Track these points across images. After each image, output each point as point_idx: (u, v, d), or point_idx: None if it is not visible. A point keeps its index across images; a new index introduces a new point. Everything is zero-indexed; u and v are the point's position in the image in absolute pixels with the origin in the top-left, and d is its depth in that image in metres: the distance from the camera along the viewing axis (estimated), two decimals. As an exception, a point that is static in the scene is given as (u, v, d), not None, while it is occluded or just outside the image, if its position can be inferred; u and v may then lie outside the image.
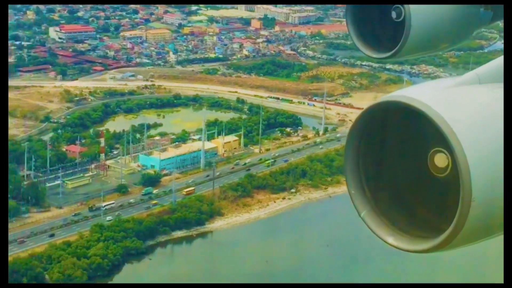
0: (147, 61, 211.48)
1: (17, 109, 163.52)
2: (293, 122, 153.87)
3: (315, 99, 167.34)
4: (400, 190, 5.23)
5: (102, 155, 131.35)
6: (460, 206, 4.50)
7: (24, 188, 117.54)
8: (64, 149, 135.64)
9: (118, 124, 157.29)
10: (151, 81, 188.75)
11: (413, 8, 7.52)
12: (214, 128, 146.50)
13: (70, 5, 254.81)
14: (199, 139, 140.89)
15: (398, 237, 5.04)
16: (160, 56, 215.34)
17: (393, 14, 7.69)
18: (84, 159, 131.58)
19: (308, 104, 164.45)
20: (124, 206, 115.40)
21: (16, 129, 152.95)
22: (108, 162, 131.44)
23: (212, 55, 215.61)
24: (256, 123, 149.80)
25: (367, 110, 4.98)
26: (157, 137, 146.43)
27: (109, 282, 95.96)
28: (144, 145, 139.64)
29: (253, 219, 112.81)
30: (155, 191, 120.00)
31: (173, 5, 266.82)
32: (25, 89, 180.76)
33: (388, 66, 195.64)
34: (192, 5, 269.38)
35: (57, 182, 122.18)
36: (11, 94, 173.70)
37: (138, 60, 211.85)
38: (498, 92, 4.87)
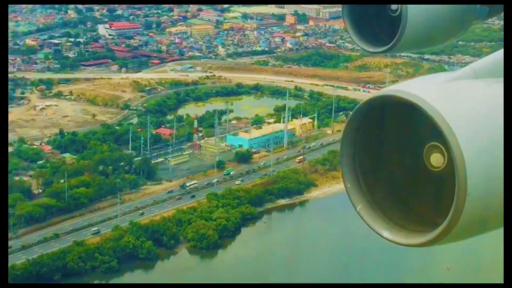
0: (199, 54, 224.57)
1: (96, 98, 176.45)
2: (354, 106, 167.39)
3: (368, 86, 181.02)
4: (396, 184, 5.23)
5: (195, 136, 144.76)
6: (455, 200, 4.49)
7: (136, 164, 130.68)
8: (154, 132, 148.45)
9: (190, 110, 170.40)
10: (210, 72, 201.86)
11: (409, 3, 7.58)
12: (283, 113, 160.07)
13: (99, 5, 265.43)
14: (273, 122, 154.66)
15: (393, 231, 5.06)
16: (210, 50, 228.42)
17: (390, 9, 7.74)
18: (176, 140, 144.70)
19: (363, 91, 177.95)
20: (227, 179, 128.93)
21: (103, 116, 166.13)
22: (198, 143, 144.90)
23: (258, 49, 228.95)
24: (321, 107, 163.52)
25: (364, 104, 4.97)
26: (234, 121, 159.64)
27: (222, 247, 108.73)
28: (227, 127, 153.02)
29: (343, 189, 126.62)
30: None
31: (205, 4, 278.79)
32: (95, 81, 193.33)
33: (427, 56, 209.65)
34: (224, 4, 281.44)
35: (159, 159, 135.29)
36: (83, 85, 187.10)
37: (190, 53, 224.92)
38: (494, 87, 4.85)
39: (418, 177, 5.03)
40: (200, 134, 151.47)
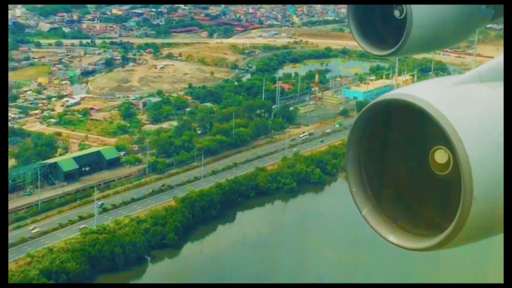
0: (277, 23, 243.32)
1: (205, 59, 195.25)
2: (440, 67, 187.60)
3: (447, 50, 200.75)
4: (401, 188, 5.19)
5: (316, 89, 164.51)
6: (461, 204, 4.43)
7: (275, 111, 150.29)
8: (274, 87, 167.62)
9: (290, 70, 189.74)
10: (295, 38, 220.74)
11: (414, 5, 7.46)
12: (380, 72, 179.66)
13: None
14: (375, 79, 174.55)
15: (399, 235, 4.99)
16: (286, 19, 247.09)
17: (395, 12, 7.62)
18: (296, 93, 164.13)
19: (443, 54, 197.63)
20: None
21: (218, 74, 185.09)
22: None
23: (329, 18, 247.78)
24: (412, 67, 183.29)
25: (369, 108, 4.93)
26: (338, 78, 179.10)
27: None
28: (334, 83, 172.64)
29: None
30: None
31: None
32: (194, 45, 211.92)
33: (489, 26, 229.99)
34: None
35: (290, 108, 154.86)
36: (185, 49, 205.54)
37: (268, 22, 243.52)
38: (500, 90, 4.79)
39: (424, 181, 5.01)
40: (313, 89, 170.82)
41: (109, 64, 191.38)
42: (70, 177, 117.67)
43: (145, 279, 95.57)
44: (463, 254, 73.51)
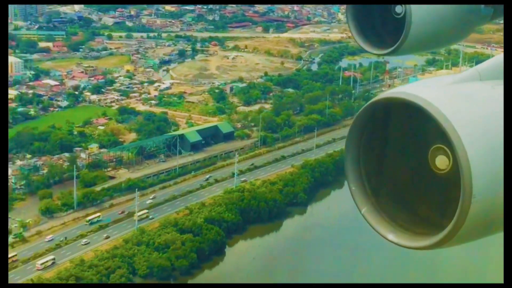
0: (323, 19, 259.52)
1: (270, 51, 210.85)
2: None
3: (493, 45, 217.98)
4: (401, 186, 5.20)
5: (386, 77, 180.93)
6: (461, 203, 4.45)
7: (356, 95, 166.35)
8: (345, 75, 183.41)
9: (349, 62, 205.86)
10: (346, 33, 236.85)
11: (413, 5, 7.48)
12: (440, 63, 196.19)
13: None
14: (435, 70, 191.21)
15: (398, 234, 5.01)
16: (332, 17, 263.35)
17: (394, 11, 7.65)
18: (368, 81, 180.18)
19: (490, 49, 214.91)
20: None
21: (287, 64, 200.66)
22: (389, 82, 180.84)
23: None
24: (467, 60, 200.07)
25: (368, 107, 4.92)
26: (399, 69, 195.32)
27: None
28: (401, 73, 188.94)
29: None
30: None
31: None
32: (254, 39, 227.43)
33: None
34: None
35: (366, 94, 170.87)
36: (247, 42, 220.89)
37: (316, 19, 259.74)
38: (499, 89, 4.81)
39: (423, 180, 5.01)
40: (379, 78, 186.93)
41: (182, 55, 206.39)
42: (195, 147, 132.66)
43: (285, 230, 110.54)
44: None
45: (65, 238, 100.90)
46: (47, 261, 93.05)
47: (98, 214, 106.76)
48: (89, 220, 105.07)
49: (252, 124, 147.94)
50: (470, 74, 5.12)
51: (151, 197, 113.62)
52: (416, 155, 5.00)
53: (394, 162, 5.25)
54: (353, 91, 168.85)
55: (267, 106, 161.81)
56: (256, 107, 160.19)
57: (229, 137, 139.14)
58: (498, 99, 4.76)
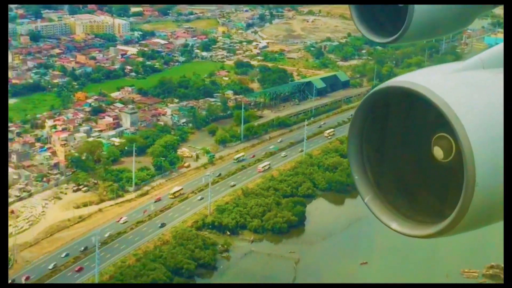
0: None
1: (344, 15, 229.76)
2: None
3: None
4: (404, 175, 5.24)
5: (465, 35, 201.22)
6: (464, 191, 4.47)
7: (444, 50, 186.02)
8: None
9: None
10: None
11: None
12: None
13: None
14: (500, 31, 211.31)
15: (401, 223, 5.05)
16: None
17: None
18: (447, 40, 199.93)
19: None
20: None
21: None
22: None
23: None
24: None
25: (371, 95, 4.94)
26: (469, 30, 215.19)
27: None
28: (472, 33, 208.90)
29: None
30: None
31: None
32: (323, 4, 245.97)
33: None
34: None
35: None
36: (318, 7, 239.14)
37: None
38: (501, 77, 4.82)
39: (426, 168, 5.04)
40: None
41: (262, 19, 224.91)
42: (320, 93, 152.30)
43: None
44: None
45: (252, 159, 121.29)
46: (265, 165, 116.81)
47: (242, 153, 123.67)
48: (236, 158, 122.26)
49: (358, 75, 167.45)
50: (473, 62, 5.07)
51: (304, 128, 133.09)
52: (419, 144, 5.03)
53: (397, 151, 5.28)
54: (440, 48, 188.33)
55: (363, 61, 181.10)
56: (353, 62, 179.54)
57: (345, 85, 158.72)
58: (501, 87, 4.75)
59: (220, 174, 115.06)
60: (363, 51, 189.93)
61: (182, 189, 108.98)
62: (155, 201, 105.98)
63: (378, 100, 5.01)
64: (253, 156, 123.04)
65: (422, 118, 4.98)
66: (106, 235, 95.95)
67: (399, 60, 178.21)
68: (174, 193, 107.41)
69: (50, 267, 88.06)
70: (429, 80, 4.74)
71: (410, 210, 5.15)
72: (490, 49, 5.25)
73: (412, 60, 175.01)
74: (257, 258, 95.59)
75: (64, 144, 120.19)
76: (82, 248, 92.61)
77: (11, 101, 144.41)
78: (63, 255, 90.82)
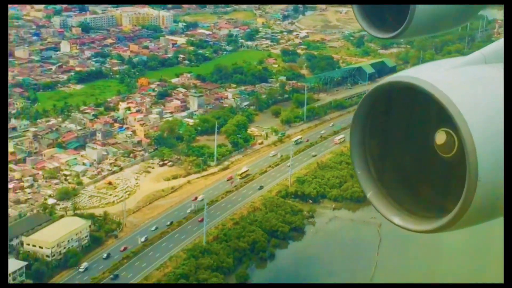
0: None
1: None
2: None
3: None
4: (406, 170, 5.32)
5: (497, 25, 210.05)
6: (467, 186, 4.50)
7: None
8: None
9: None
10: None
11: None
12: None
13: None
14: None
15: (404, 217, 5.11)
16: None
17: None
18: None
19: None
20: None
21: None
22: None
23: None
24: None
25: (374, 91, 5.01)
26: (500, 20, 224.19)
27: None
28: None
29: None
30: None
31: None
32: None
33: None
34: None
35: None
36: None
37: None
38: (503, 72, 4.86)
39: (428, 164, 5.13)
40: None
41: (296, 11, 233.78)
42: (370, 78, 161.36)
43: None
44: None
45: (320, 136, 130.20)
46: (340, 138, 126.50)
47: (299, 136, 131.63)
48: (295, 141, 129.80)
49: (401, 62, 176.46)
50: (475, 57, 5.12)
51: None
52: (422, 139, 5.09)
53: (400, 146, 5.34)
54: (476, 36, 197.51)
55: (402, 49, 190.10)
56: (393, 50, 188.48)
57: (392, 70, 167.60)
58: (503, 82, 4.77)
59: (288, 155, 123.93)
60: (401, 40, 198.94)
61: (248, 170, 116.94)
62: (227, 180, 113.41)
63: (381, 95, 5.07)
64: (334, 130, 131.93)
65: (424, 113, 5.02)
66: (199, 203, 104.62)
67: (438, 47, 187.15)
68: (241, 173, 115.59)
69: (167, 223, 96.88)
70: (432, 75, 4.78)
71: (413, 205, 5.20)
72: (492, 45, 5.27)
73: (451, 47, 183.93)
74: (341, 223, 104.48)
75: (143, 124, 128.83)
76: (189, 210, 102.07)
77: (78, 87, 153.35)
78: (168, 223, 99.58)
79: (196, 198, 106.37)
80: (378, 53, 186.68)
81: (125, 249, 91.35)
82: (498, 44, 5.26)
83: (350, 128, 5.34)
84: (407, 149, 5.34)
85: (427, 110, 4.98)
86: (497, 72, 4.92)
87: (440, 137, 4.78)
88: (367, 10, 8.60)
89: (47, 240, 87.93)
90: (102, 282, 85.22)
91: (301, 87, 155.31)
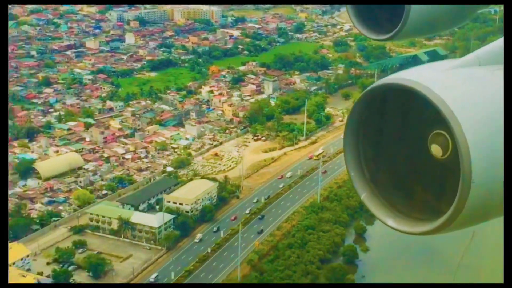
0: None
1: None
2: None
3: None
4: (400, 172, 5.34)
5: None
6: (460, 188, 4.53)
7: None
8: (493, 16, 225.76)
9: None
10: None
11: None
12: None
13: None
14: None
15: (398, 220, 5.18)
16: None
17: None
18: None
19: None
20: None
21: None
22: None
23: None
24: None
25: (368, 92, 5.01)
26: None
27: None
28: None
29: None
30: None
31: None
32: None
33: None
34: None
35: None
36: None
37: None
38: (498, 74, 4.89)
39: (422, 165, 5.12)
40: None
41: (332, 7, 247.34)
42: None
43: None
44: None
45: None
46: None
47: None
48: None
49: (448, 51, 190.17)
50: (470, 59, 5.16)
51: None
52: (415, 141, 5.09)
53: (393, 148, 5.36)
54: None
55: (444, 40, 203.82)
56: (436, 41, 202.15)
57: (444, 59, 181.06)
58: (497, 84, 4.80)
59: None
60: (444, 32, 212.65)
61: (323, 151, 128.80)
62: (308, 158, 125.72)
63: (375, 97, 5.11)
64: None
65: (418, 115, 5.06)
66: (298, 172, 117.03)
67: (481, 38, 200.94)
68: (318, 155, 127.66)
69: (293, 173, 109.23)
70: (426, 77, 4.81)
71: (407, 207, 5.28)
72: (486, 46, 5.36)
73: (494, 37, 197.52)
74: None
75: (230, 104, 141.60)
76: (299, 172, 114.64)
77: (152, 74, 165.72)
78: (280, 185, 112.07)
79: (311, 157, 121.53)
80: (424, 44, 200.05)
81: (235, 218, 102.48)
82: (493, 46, 5.34)
83: (344, 129, 5.41)
84: (401, 151, 5.37)
85: (421, 112, 4.96)
86: (491, 74, 4.96)
87: (436, 150, 4.84)
88: (362, 11, 8.68)
89: (187, 197, 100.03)
90: (249, 223, 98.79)
91: (361, 74, 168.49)
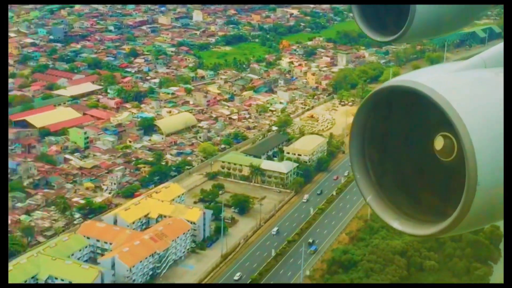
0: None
1: None
2: None
3: None
4: (406, 174, 5.37)
5: None
6: (466, 190, 4.55)
7: None
8: None
9: None
10: None
11: None
12: None
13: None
14: None
15: (403, 222, 5.19)
16: None
17: None
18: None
19: None
20: None
21: None
22: None
23: None
24: None
25: (373, 94, 5.05)
26: None
27: None
28: None
29: None
30: None
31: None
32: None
33: None
34: None
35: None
36: None
37: None
38: (502, 76, 4.92)
39: (427, 168, 5.17)
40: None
41: None
42: (482, 41, 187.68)
43: None
44: None
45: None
46: None
47: None
48: None
49: (501, 30, 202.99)
50: (475, 61, 5.18)
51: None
52: (421, 143, 5.15)
53: (399, 151, 5.39)
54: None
55: (491, 20, 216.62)
56: (485, 20, 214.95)
57: (499, 36, 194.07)
58: (502, 86, 4.83)
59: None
60: (489, 13, 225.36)
61: None
62: None
63: (380, 99, 5.13)
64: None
65: (424, 117, 5.11)
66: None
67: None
68: None
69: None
70: (432, 79, 4.83)
71: (412, 209, 5.29)
72: (492, 48, 5.36)
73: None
74: None
75: (313, 73, 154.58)
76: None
77: (227, 48, 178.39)
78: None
79: None
80: (475, 23, 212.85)
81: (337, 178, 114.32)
82: (498, 48, 5.35)
83: (349, 131, 5.47)
84: (407, 153, 5.40)
85: (427, 114, 5.01)
86: (497, 76, 4.98)
87: (439, 142, 4.87)
88: (367, 12, 8.63)
89: (305, 149, 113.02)
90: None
91: (424, 49, 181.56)
